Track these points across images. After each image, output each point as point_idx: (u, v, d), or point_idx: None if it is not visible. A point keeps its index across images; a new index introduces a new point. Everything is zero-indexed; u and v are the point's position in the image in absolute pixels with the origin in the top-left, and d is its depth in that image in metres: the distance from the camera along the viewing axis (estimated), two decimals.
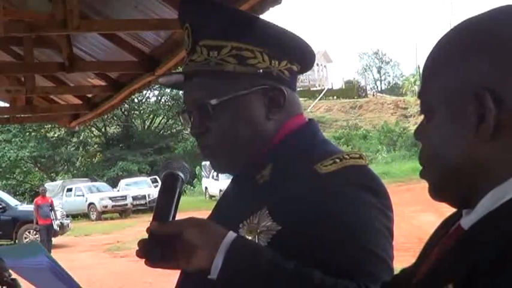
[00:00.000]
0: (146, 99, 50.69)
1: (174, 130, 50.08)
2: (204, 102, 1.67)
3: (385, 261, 1.55)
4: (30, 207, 23.82)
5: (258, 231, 1.59)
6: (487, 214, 1.04)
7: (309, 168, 1.60)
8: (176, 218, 1.54)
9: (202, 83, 1.69)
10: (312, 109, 55.40)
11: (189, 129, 1.76)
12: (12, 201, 26.65)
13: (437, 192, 1.13)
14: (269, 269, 1.44)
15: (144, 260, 1.51)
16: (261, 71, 1.67)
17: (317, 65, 65.75)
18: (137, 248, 1.51)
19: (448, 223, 1.20)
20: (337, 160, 1.61)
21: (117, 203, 34.91)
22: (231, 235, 1.48)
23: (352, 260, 1.51)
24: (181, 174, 1.60)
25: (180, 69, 5.52)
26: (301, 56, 1.74)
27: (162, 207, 1.55)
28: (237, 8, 2.05)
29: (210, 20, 1.69)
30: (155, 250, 1.50)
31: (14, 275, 2.72)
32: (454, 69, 1.07)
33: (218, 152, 1.71)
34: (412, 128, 45.85)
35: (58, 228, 22.05)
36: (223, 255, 1.45)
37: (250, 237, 1.59)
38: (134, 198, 35.52)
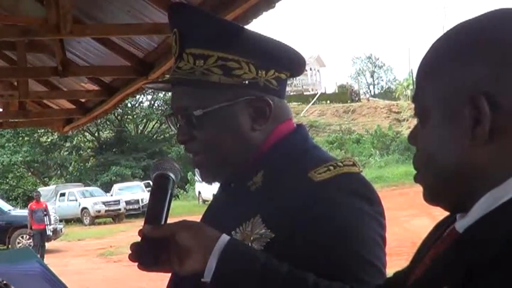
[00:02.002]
0: (139, 104, 50.57)
1: (168, 135, 49.97)
2: (189, 112, 1.67)
3: (378, 269, 1.55)
4: (23, 212, 23.79)
5: (252, 238, 1.59)
6: (483, 216, 1.03)
7: (302, 175, 1.60)
8: (169, 222, 1.54)
9: (187, 92, 1.69)
10: (305, 113, 55.39)
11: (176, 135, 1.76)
12: (5, 206, 26.59)
13: (432, 197, 1.13)
14: (263, 271, 1.44)
15: (136, 263, 1.50)
16: (246, 82, 1.66)
17: (310, 69, 65.79)
18: (130, 252, 1.50)
19: (442, 226, 1.20)
20: (331, 168, 1.61)
21: (110, 208, 34.79)
22: (225, 238, 1.47)
23: (346, 268, 1.51)
24: (172, 175, 1.59)
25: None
26: (289, 64, 1.74)
27: (154, 210, 1.54)
28: (225, 19, 2.05)
29: (197, 28, 1.69)
30: (148, 253, 1.49)
31: (6, 281, 2.70)
32: (449, 72, 1.07)
33: (204, 161, 1.71)
34: (405, 133, 45.89)
35: (51, 233, 21.98)
36: (217, 258, 1.44)
37: None
38: (127, 202, 35.41)
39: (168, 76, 5.28)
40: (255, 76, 1.67)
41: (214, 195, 1.89)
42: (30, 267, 1.86)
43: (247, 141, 1.68)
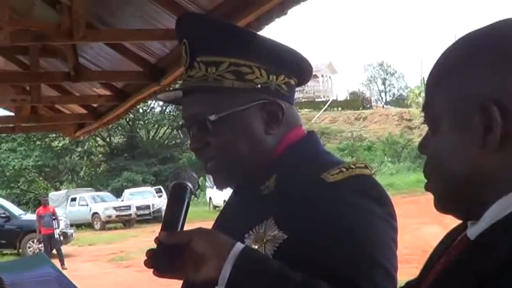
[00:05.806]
0: (151, 109, 50.69)
1: (179, 140, 49.95)
2: (203, 118, 1.68)
3: (389, 272, 1.55)
4: (34, 217, 23.84)
5: (265, 240, 1.60)
6: (494, 224, 1.04)
7: (315, 177, 1.60)
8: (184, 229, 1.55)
9: (200, 99, 1.70)
10: (316, 120, 55.41)
11: (188, 144, 1.77)
12: (16, 210, 26.69)
13: (443, 205, 1.13)
14: (276, 280, 1.45)
15: (152, 270, 1.51)
16: (259, 86, 1.68)
17: (322, 76, 65.83)
18: (145, 258, 1.51)
19: (453, 234, 1.20)
20: (344, 169, 1.62)
21: (121, 213, 34.78)
22: (239, 246, 1.48)
23: (358, 270, 1.51)
24: (189, 185, 1.61)
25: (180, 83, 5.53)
26: (298, 70, 1.76)
27: (171, 217, 1.56)
28: (235, 24, 2.07)
29: (208, 36, 1.71)
30: (163, 260, 1.50)
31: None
32: (459, 81, 1.07)
33: (218, 166, 1.72)
34: (417, 140, 45.76)
35: (61, 238, 22.00)
36: (231, 266, 1.45)
37: (256, 246, 1.59)
38: (138, 208, 35.40)
39: (178, 84, 5.29)
40: (267, 80, 1.69)
41: (227, 200, 1.90)
42: (44, 272, 1.89)
43: (260, 145, 1.70)
